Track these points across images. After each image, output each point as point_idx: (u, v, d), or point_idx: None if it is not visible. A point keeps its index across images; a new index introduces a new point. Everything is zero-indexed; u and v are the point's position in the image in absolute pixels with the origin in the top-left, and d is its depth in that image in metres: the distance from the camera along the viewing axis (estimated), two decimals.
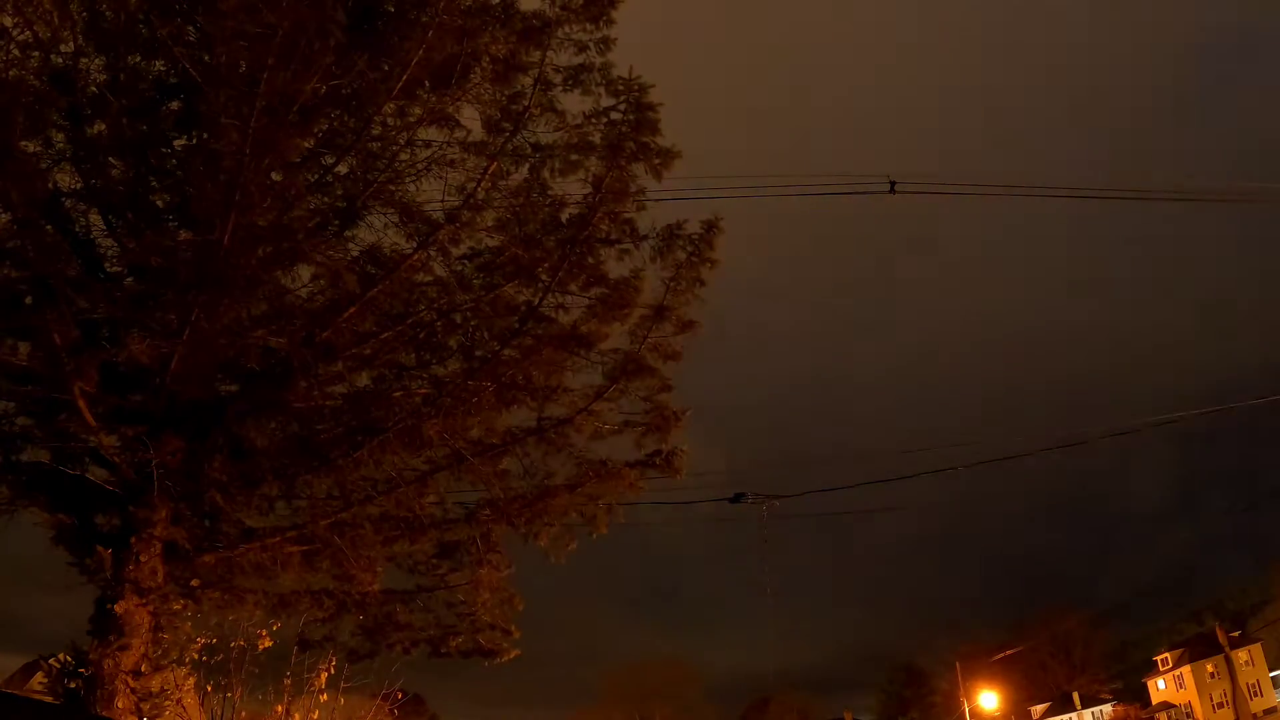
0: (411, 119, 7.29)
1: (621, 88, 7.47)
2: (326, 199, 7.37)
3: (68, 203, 7.02)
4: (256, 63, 5.68)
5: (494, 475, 8.21)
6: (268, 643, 9.36)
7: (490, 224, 7.66)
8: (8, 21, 6.40)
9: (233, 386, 7.69)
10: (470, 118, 7.43)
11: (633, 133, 7.44)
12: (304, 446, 7.77)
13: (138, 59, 6.89)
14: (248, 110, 5.75)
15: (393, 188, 7.28)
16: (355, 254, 7.27)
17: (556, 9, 7.25)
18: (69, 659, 6.74)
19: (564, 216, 7.74)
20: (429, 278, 7.70)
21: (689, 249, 7.88)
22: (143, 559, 6.94)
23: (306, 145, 7.12)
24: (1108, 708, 70.81)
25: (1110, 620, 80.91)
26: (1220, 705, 64.98)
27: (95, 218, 7.19)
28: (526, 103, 7.39)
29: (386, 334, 7.57)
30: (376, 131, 7.30)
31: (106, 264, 7.26)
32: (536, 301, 7.68)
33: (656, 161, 7.54)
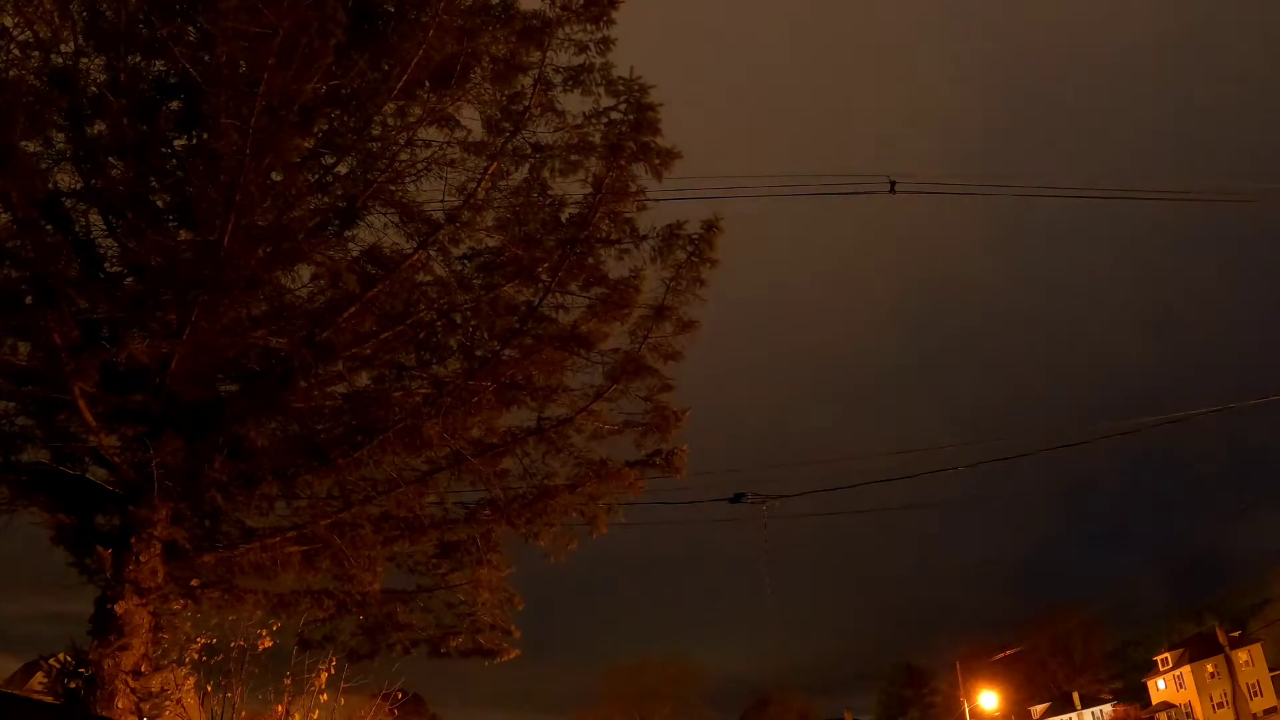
0: (411, 119, 7.29)
1: (622, 88, 7.47)
2: (326, 199, 7.37)
3: (68, 203, 7.01)
4: (257, 63, 5.68)
5: (494, 475, 8.21)
6: (268, 643, 9.36)
7: (490, 224, 7.66)
8: (8, 21, 6.41)
9: (233, 386, 7.68)
10: (470, 118, 7.44)
11: (633, 133, 7.44)
12: (304, 446, 7.77)
13: (138, 59, 6.89)
14: (248, 110, 5.75)
15: (393, 188, 7.28)
16: (355, 254, 7.27)
17: (556, 9, 7.25)
18: (69, 659, 6.74)
19: (564, 216, 7.74)
20: (429, 278, 7.71)
21: (689, 249, 7.88)
22: (143, 559, 6.94)
23: (306, 145, 7.12)
24: (1108, 708, 70.82)
25: (1110, 620, 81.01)
26: (1220, 705, 65.01)
27: (95, 218, 7.18)
28: (526, 103, 7.39)
29: (386, 334, 7.56)
30: (376, 131, 7.30)
31: (106, 264, 7.26)
32: (536, 301, 7.68)
33: (657, 162, 7.54)
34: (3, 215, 6.27)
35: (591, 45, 7.45)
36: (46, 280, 6.29)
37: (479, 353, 7.87)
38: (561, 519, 8.48)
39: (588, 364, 8.11)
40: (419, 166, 7.35)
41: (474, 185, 7.26)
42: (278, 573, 7.92)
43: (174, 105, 7.04)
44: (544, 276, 7.63)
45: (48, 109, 6.35)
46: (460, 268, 7.81)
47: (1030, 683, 75.03)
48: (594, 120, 7.58)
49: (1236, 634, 66.71)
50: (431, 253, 7.45)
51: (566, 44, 7.39)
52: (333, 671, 9.92)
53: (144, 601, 6.89)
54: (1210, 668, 66.22)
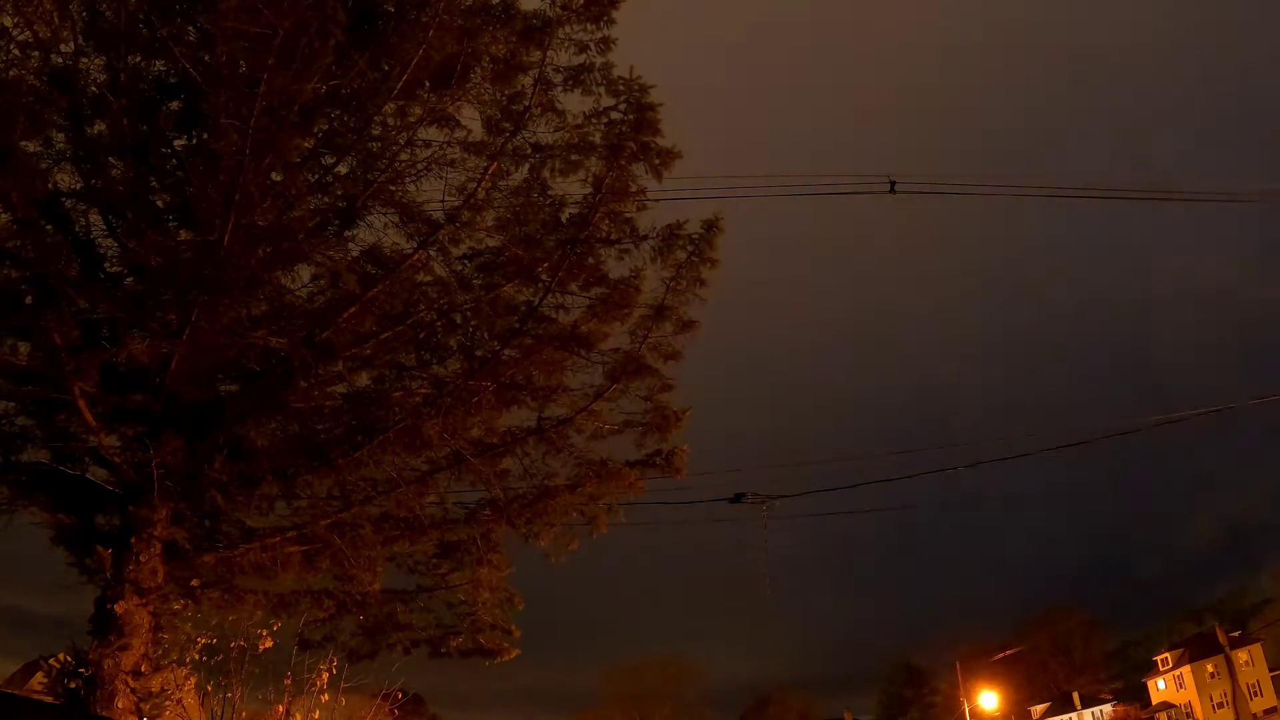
0: (411, 119, 7.29)
1: (622, 88, 7.47)
2: (326, 199, 7.37)
3: (68, 203, 7.01)
4: (257, 63, 5.68)
5: (494, 475, 8.20)
6: (268, 643, 9.37)
7: (490, 224, 7.66)
8: (8, 21, 6.40)
9: (233, 386, 7.68)
10: (470, 118, 7.44)
11: (633, 133, 7.44)
12: (304, 446, 7.77)
13: (138, 59, 6.88)
14: (248, 110, 5.75)
15: (393, 188, 7.28)
16: (355, 254, 7.27)
17: (556, 9, 7.25)
18: (69, 659, 6.74)
19: (564, 216, 7.74)
20: (429, 278, 7.70)
21: (689, 249, 7.88)
22: (143, 559, 6.94)
23: (306, 145, 7.12)
24: (1108, 708, 70.81)
25: (1110, 620, 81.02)
26: (1220, 705, 65.00)
27: (95, 218, 7.18)
28: (526, 103, 7.39)
29: (386, 334, 7.56)
30: (376, 131, 7.30)
31: (106, 264, 7.26)
32: (536, 301, 7.68)
33: (657, 161, 7.54)
34: (3, 215, 6.27)
35: (592, 45, 7.45)
36: (46, 280, 6.29)
37: (479, 353, 7.87)
38: (561, 519, 8.48)
39: (588, 364, 8.11)
40: (419, 166, 7.35)
41: (474, 185, 7.26)
42: (278, 573, 7.92)
43: (174, 105, 7.04)
44: (544, 276, 7.63)
45: (48, 109, 6.35)
46: (460, 268, 7.81)
47: (1030, 683, 74.99)
48: (594, 120, 7.58)
49: (1236, 634, 66.70)
50: (431, 253, 7.45)
51: (566, 43, 7.38)
52: (333, 671, 9.94)
53: (144, 601, 6.89)
54: (1210, 668, 66.22)
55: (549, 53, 7.29)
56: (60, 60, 6.68)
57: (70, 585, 7.24)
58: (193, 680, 8.86)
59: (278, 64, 5.68)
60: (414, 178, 7.36)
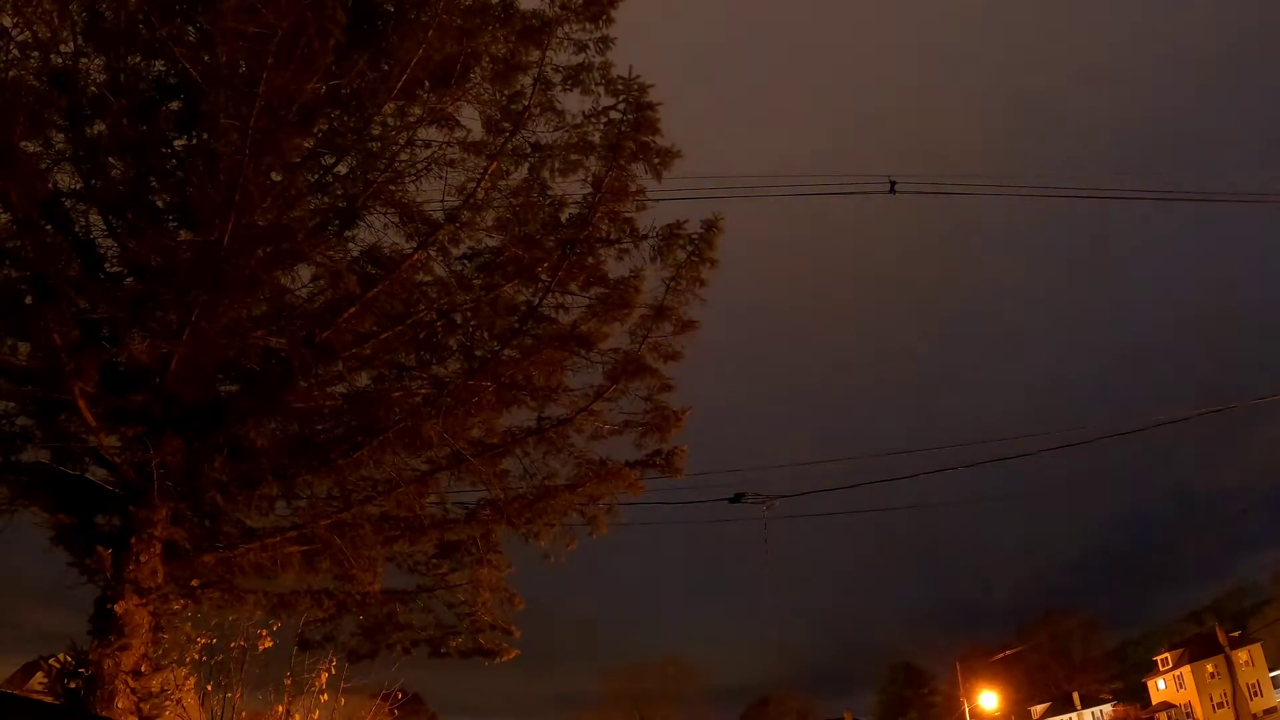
0: (411, 119, 7.29)
1: (621, 87, 7.47)
2: (326, 199, 7.37)
3: (68, 203, 7.01)
4: (256, 63, 5.68)
5: (494, 475, 8.21)
6: (268, 643, 9.39)
7: (490, 224, 7.66)
8: (8, 21, 6.40)
9: (233, 387, 7.69)
10: (470, 118, 7.44)
11: (632, 132, 7.44)
12: (304, 446, 7.78)
13: (138, 59, 6.89)
14: (248, 110, 5.75)
15: (393, 188, 7.27)
16: (355, 254, 7.27)
17: (556, 8, 7.26)
18: (69, 659, 6.74)
19: (564, 216, 7.74)
20: (429, 278, 7.71)
21: (689, 249, 7.88)
22: (143, 559, 6.94)
23: (306, 145, 7.12)
24: (1108, 708, 70.83)
25: (1110, 620, 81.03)
26: (1220, 705, 64.99)
27: (95, 218, 7.18)
28: (526, 102, 7.39)
29: (386, 334, 7.56)
30: (376, 131, 7.30)
31: (106, 264, 7.26)
32: (536, 301, 7.68)
33: (656, 161, 7.54)
34: (3, 215, 6.28)
35: (591, 44, 7.46)
36: (46, 280, 6.30)
37: (479, 353, 7.88)
38: (561, 519, 8.48)
39: (588, 364, 8.12)
40: (419, 166, 7.35)
41: (474, 185, 7.26)
42: (278, 573, 7.93)
43: (174, 105, 7.04)
44: (544, 276, 7.63)
45: (48, 109, 6.35)
46: (460, 268, 7.81)
47: (1030, 683, 75.02)
48: (594, 120, 7.59)
49: (1236, 634, 66.68)
50: (431, 253, 7.44)
51: (566, 43, 7.39)
52: (333, 671, 9.95)
53: (144, 601, 6.89)
54: (1210, 668, 66.21)
55: (548, 52, 7.30)
56: (60, 60, 6.68)
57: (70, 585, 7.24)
58: (193, 680, 8.87)
59: (277, 64, 5.68)
60: (414, 178, 7.36)
